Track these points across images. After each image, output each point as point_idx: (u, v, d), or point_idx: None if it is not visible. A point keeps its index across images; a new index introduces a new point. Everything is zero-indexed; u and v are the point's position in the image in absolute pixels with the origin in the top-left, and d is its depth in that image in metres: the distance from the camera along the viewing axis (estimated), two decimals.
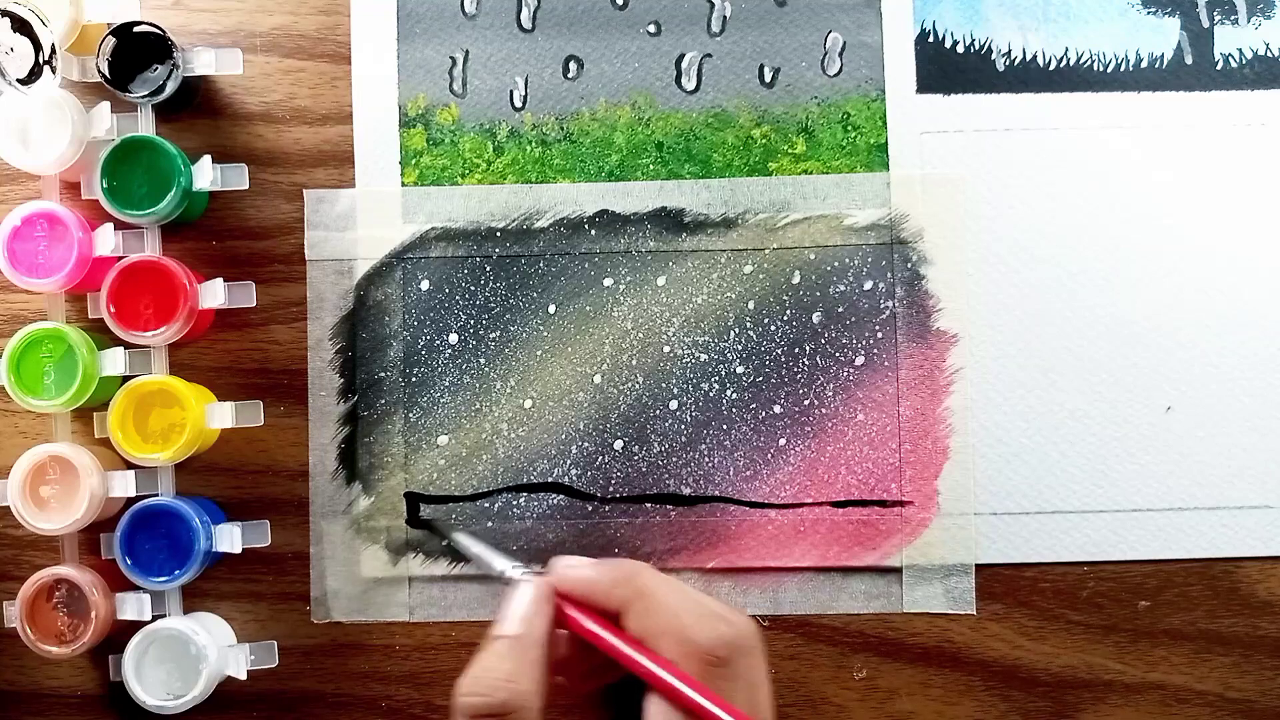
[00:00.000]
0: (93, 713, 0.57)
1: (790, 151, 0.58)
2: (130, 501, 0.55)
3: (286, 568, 0.58)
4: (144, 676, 0.54)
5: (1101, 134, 0.58)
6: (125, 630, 0.55)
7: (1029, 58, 0.58)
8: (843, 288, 0.57)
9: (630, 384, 0.57)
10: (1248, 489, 0.57)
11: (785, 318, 0.58)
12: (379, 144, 0.58)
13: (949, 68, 0.58)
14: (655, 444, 0.57)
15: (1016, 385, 0.57)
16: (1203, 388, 0.57)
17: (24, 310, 0.58)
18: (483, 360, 0.58)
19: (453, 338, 0.58)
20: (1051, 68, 0.58)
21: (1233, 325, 0.57)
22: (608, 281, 0.58)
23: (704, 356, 0.58)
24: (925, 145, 0.58)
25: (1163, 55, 0.58)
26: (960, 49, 0.58)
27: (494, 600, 0.57)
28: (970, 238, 0.58)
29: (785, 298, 0.58)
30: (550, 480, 0.57)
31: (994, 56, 0.58)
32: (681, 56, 0.58)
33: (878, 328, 0.57)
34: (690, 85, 0.58)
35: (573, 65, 0.58)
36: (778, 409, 0.57)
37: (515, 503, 0.57)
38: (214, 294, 0.55)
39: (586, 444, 0.57)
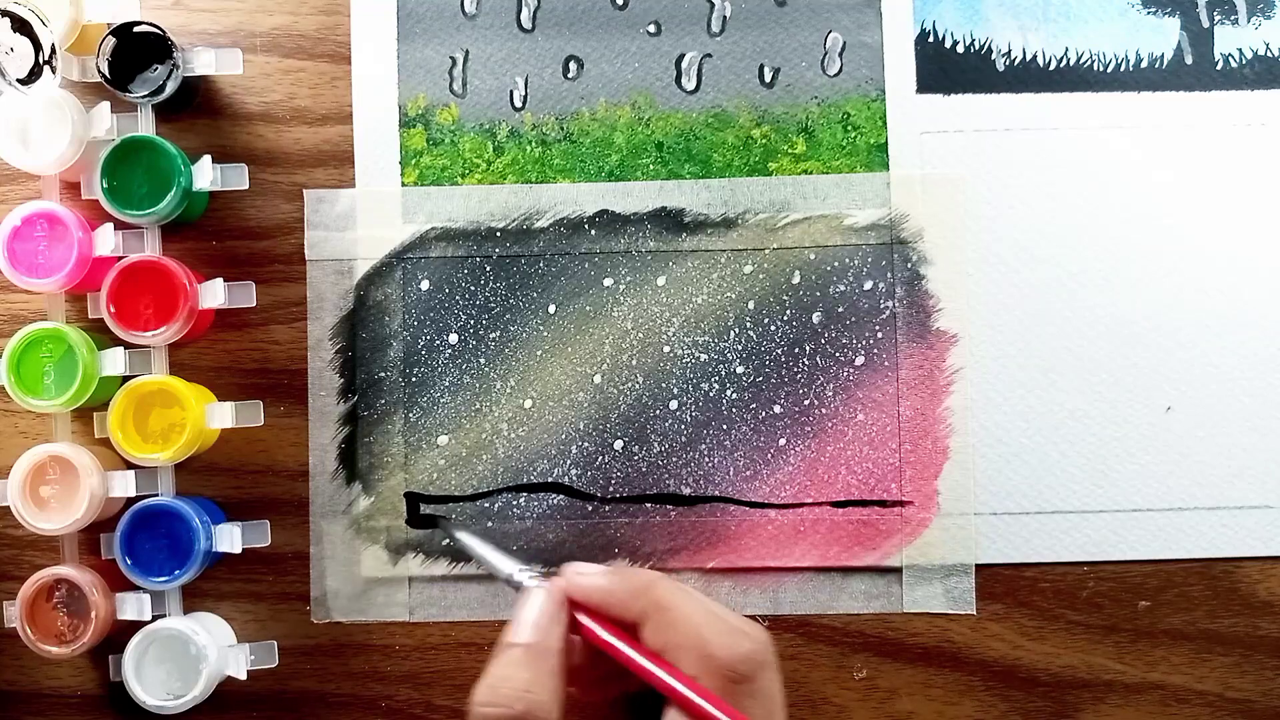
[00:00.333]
0: (93, 713, 0.57)
1: (790, 151, 0.58)
2: (130, 501, 0.55)
3: (286, 568, 0.58)
4: (144, 676, 0.54)
5: (1101, 134, 0.58)
6: (125, 630, 0.55)
7: (1029, 58, 0.58)
8: (843, 288, 0.57)
9: (630, 384, 0.57)
10: (1248, 489, 0.57)
11: (785, 318, 0.58)
12: (379, 144, 0.58)
13: (949, 68, 0.58)
14: (655, 444, 0.57)
15: (1016, 385, 0.57)
16: (1203, 388, 0.57)
17: (24, 310, 0.58)
18: (483, 360, 0.58)
19: (453, 338, 0.58)
20: (1051, 68, 0.58)
21: (1233, 325, 0.57)
22: (608, 281, 0.58)
23: (704, 356, 0.58)
24: (925, 145, 0.58)
25: (1163, 55, 0.58)
26: (960, 49, 0.58)
27: (494, 601, 0.57)
28: (970, 238, 0.58)
29: (785, 298, 0.58)
30: (550, 480, 0.57)
31: (994, 56, 0.58)
32: (681, 56, 0.58)
33: (878, 328, 0.57)
34: (690, 85, 0.58)
35: (573, 65, 0.58)
36: (778, 409, 0.57)
37: (515, 503, 0.57)
38: (214, 294, 0.55)
39: (586, 444, 0.57)
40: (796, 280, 0.58)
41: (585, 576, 0.44)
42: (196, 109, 0.58)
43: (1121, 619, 0.57)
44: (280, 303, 0.58)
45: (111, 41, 0.54)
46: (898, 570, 0.57)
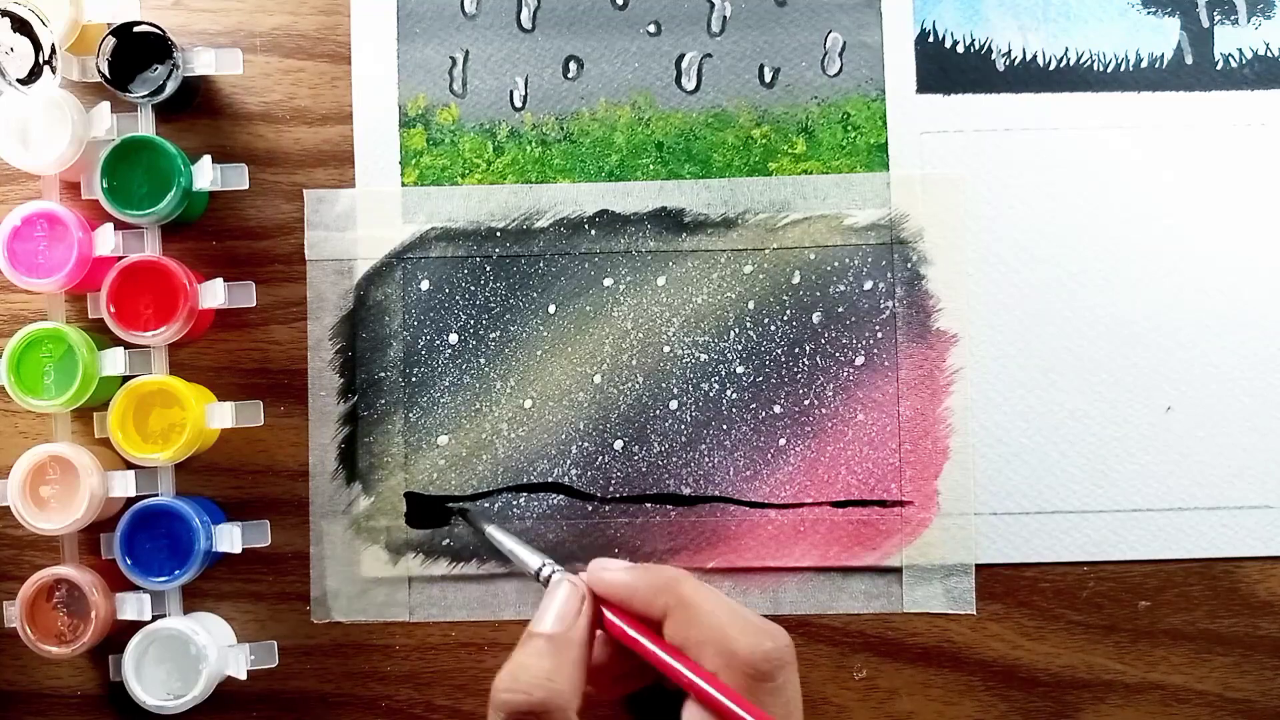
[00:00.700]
0: (93, 713, 0.57)
1: (790, 151, 0.58)
2: (130, 501, 0.55)
3: (286, 568, 0.58)
4: (144, 676, 0.54)
5: (1101, 134, 0.58)
6: (125, 630, 0.55)
7: (1029, 58, 0.58)
8: (843, 288, 0.57)
9: (630, 384, 0.57)
10: (1248, 489, 0.57)
11: (785, 318, 0.58)
12: (379, 144, 0.58)
13: (949, 68, 0.58)
14: (655, 444, 0.57)
15: (1016, 385, 0.57)
16: (1203, 388, 0.57)
17: (24, 310, 0.58)
18: (483, 360, 0.58)
19: (453, 338, 0.58)
20: (1051, 68, 0.58)
21: (1233, 325, 0.57)
22: (608, 281, 0.58)
23: (704, 356, 0.58)
24: (925, 145, 0.58)
25: (1163, 55, 0.58)
26: (960, 49, 0.58)
27: (494, 601, 0.57)
28: (970, 238, 0.58)
29: (785, 298, 0.58)
30: (550, 480, 0.57)
31: (994, 56, 0.58)
32: (681, 56, 0.58)
33: (878, 328, 0.57)
34: (690, 85, 0.58)
35: (573, 65, 0.58)
36: (778, 409, 0.57)
37: (515, 503, 0.57)
38: (214, 294, 0.55)
39: (586, 444, 0.57)
40: (796, 280, 0.58)
41: (609, 571, 0.44)
42: (196, 109, 0.58)
43: (1121, 619, 0.57)
44: (280, 303, 0.58)
45: (111, 41, 0.54)
46: (898, 570, 0.57)
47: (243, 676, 0.55)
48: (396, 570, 0.57)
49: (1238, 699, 0.57)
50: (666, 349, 0.58)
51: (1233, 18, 0.58)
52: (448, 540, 0.57)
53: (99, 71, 0.54)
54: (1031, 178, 0.58)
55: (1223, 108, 0.58)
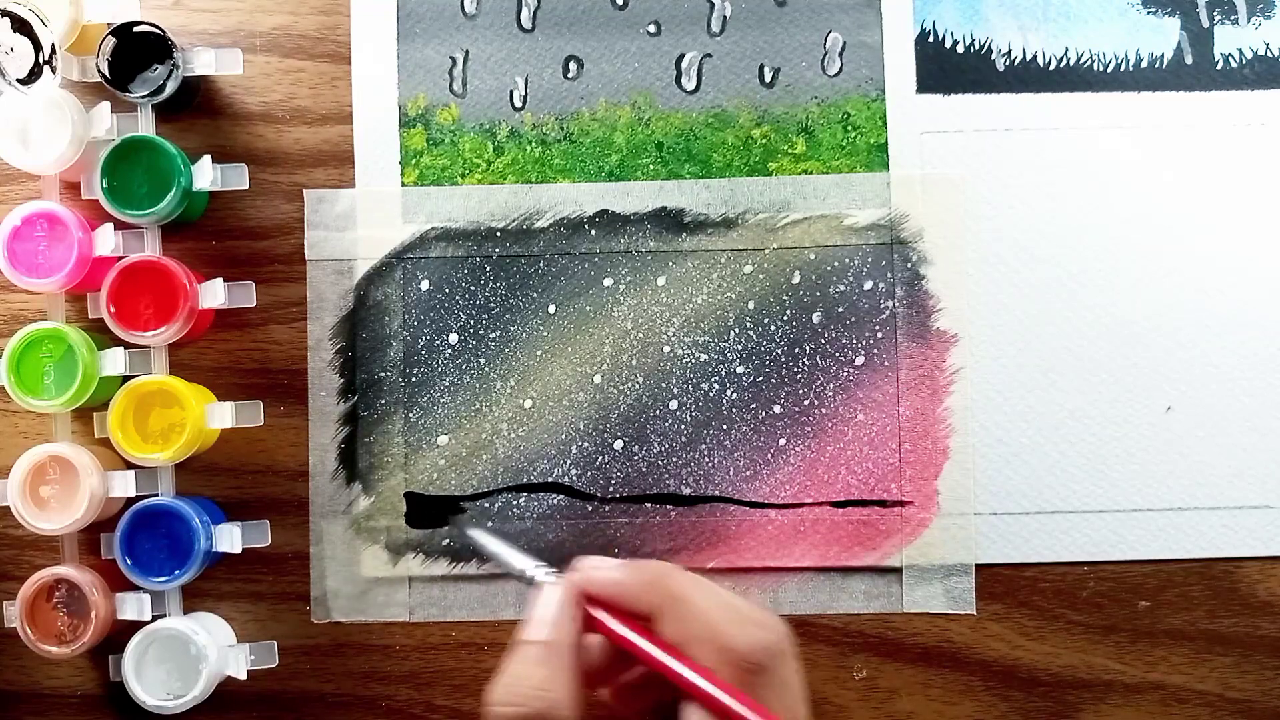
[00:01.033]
0: (93, 713, 0.57)
1: (790, 151, 0.58)
2: (130, 501, 0.55)
3: (286, 568, 0.58)
4: (144, 676, 0.54)
5: (1101, 134, 0.58)
6: (125, 630, 0.54)
7: (1029, 58, 0.58)
8: (843, 288, 0.57)
9: (630, 384, 0.57)
10: (1248, 489, 0.57)
11: (785, 318, 0.58)
12: (379, 144, 0.58)
13: (949, 68, 0.58)
14: (655, 444, 0.57)
15: (1016, 385, 0.57)
16: (1203, 388, 0.57)
17: (24, 310, 0.58)
18: (483, 360, 0.58)
19: (453, 338, 0.58)
20: (1051, 68, 0.58)
21: (1233, 325, 0.57)
22: (608, 281, 0.58)
23: (704, 356, 0.58)
24: (925, 145, 0.58)
25: (1163, 55, 0.58)
26: (960, 49, 0.58)
27: (494, 601, 0.57)
28: (970, 238, 0.58)
29: (785, 298, 0.58)
30: (550, 480, 0.57)
31: (994, 56, 0.58)
32: (681, 56, 0.58)
33: (878, 328, 0.57)
34: (690, 85, 0.58)
35: (573, 65, 0.58)
36: (778, 409, 0.57)
37: (515, 503, 0.57)
38: (214, 294, 0.55)
39: (586, 444, 0.57)
40: (796, 280, 0.58)
41: (599, 570, 0.43)
42: (196, 109, 0.58)
43: (1121, 619, 0.57)
44: (280, 303, 0.58)
45: (111, 41, 0.54)
46: (898, 570, 0.57)
47: (243, 676, 0.55)
48: (396, 570, 0.57)
49: (1238, 699, 0.57)
50: (666, 349, 0.58)
51: (1233, 18, 0.58)
52: (448, 540, 0.57)
53: (99, 71, 0.54)
54: (1031, 178, 0.58)
55: (1223, 108, 0.58)
